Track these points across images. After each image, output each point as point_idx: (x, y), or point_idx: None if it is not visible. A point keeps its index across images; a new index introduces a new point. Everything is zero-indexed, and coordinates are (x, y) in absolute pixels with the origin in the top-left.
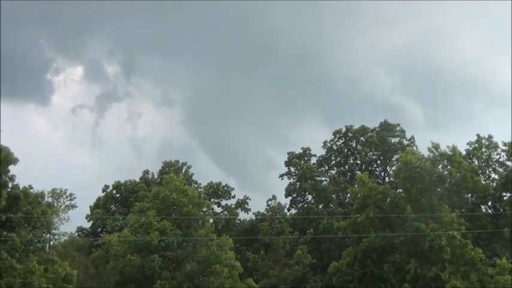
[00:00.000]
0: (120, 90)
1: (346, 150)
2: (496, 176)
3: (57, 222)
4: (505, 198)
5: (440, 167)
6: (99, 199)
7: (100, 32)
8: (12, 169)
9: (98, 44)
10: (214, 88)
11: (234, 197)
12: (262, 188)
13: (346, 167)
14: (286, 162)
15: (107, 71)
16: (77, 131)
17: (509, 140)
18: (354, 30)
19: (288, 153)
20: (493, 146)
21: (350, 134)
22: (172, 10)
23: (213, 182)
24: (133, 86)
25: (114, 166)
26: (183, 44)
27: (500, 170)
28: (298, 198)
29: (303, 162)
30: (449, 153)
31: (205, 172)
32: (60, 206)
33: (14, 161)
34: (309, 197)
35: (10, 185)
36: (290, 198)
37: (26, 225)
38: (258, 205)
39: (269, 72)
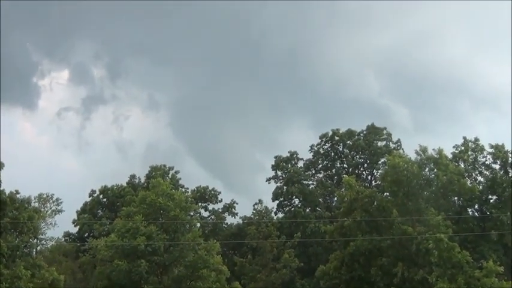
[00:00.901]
0: (106, 94)
1: (333, 154)
2: (482, 179)
3: (44, 227)
4: (491, 201)
5: (427, 170)
6: (85, 204)
7: (86, 36)
8: None
9: (84, 47)
10: (201, 91)
11: (221, 201)
12: (249, 192)
13: (333, 170)
14: (273, 166)
15: (93, 74)
16: (63, 134)
17: (496, 142)
18: (342, 33)
19: (275, 157)
20: (479, 148)
21: (337, 138)
22: (158, 13)
23: (201, 186)
24: (119, 89)
25: (101, 170)
26: (169, 47)
27: (487, 172)
28: (285, 202)
29: (290, 166)
30: (435, 156)
31: (192, 175)
32: (46, 211)
33: (0, 165)
34: (296, 201)
35: None
36: (277, 202)
37: (12, 230)
38: (245, 209)
39: (257, 75)
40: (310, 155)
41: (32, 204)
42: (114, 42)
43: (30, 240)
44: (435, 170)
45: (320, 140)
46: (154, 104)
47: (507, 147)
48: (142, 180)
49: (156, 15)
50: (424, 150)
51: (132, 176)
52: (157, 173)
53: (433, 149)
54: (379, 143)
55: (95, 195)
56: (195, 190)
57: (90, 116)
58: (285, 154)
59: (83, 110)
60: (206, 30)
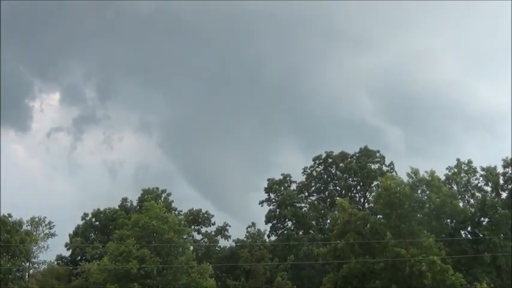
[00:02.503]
0: (98, 114)
1: (326, 176)
2: (473, 201)
3: (36, 251)
4: (483, 223)
5: (419, 192)
6: (78, 227)
7: (78, 57)
8: None
9: (75, 68)
10: (193, 112)
11: (214, 224)
12: (242, 213)
13: (326, 193)
14: (266, 189)
15: (85, 95)
16: (54, 156)
17: (488, 165)
18: (335, 55)
19: (268, 180)
20: (472, 171)
21: (330, 160)
22: (150, 35)
23: (193, 209)
24: (110, 110)
25: (92, 191)
26: (161, 68)
27: (479, 194)
28: (278, 224)
29: (283, 188)
30: (427, 178)
31: (184, 196)
32: (39, 234)
33: None
34: (289, 224)
35: None
36: (270, 224)
37: (4, 253)
38: (237, 230)
39: (250, 96)
40: (303, 178)
41: (24, 227)
42: (105, 64)
43: (23, 263)
44: (428, 192)
45: (313, 162)
46: (146, 125)
47: (499, 170)
48: (135, 203)
49: (148, 37)
50: (415, 172)
51: (124, 199)
52: (150, 196)
53: (425, 171)
54: (372, 166)
55: (88, 218)
56: (187, 213)
57: (81, 137)
58: (278, 176)
59: (74, 130)
60: (199, 51)
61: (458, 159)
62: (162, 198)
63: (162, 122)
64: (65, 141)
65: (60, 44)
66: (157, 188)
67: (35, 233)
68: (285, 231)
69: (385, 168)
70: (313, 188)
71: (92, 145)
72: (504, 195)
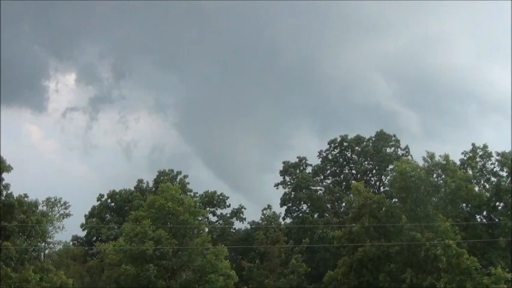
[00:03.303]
0: (113, 95)
1: (341, 159)
2: (488, 186)
3: (52, 231)
4: (499, 207)
5: (435, 176)
6: (93, 208)
7: (93, 37)
8: (6, 177)
9: (91, 48)
10: (208, 94)
11: (229, 206)
12: (256, 194)
13: (342, 176)
14: (281, 172)
15: (100, 75)
16: (70, 136)
17: (503, 150)
18: (351, 39)
19: (284, 163)
20: (487, 155)
21: (345, 144)
22: (166, 15)
23: (209, 191)
24: (126, 91)
25: (107, 171)
26: (177, 49)
27: (494, 179)
28: (294, 207)
29: (298, 171)
30: (443, 162)
31: (199, 178)
32: (54, 215)
33: (8, 168)
34: (304, 207)
35: (4, 193)
36: (285, 207)
37: (20, 233)
38: (252, 211)
39: (266, 78)
40: (318, 161)
41: (40, 207)
42: (121, 44)
43: (39, 243)
44: (443, 176)
45: (329, 146)
46: (161, 106)
47: None
48: (151, 184)
49: (164, 18)
50: (431, 156)
51: (140, 181)
52: (165, 177)
53: (440, 156)
54: (388, 150)
55: (103, 199)
56: (203, 195)
57: (96, 116)
58: (293, 158)
59: (89, 110)
60: (215, 34)
61: (473, 144)
62: (178, 180)
63: (178, 103)
64: (81, 121)
65: (76, 23)
66: (172, 170)
67: (50, 213)
68: (300, 214)
69: (400, 152)
70: (329, 171)
71: (107, 125)
72: None
